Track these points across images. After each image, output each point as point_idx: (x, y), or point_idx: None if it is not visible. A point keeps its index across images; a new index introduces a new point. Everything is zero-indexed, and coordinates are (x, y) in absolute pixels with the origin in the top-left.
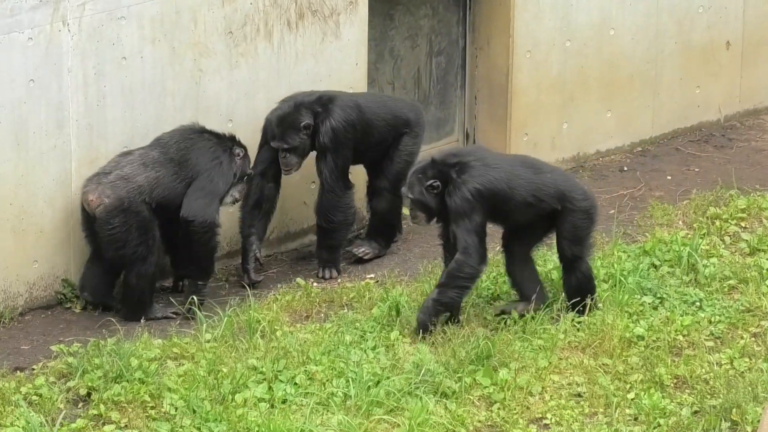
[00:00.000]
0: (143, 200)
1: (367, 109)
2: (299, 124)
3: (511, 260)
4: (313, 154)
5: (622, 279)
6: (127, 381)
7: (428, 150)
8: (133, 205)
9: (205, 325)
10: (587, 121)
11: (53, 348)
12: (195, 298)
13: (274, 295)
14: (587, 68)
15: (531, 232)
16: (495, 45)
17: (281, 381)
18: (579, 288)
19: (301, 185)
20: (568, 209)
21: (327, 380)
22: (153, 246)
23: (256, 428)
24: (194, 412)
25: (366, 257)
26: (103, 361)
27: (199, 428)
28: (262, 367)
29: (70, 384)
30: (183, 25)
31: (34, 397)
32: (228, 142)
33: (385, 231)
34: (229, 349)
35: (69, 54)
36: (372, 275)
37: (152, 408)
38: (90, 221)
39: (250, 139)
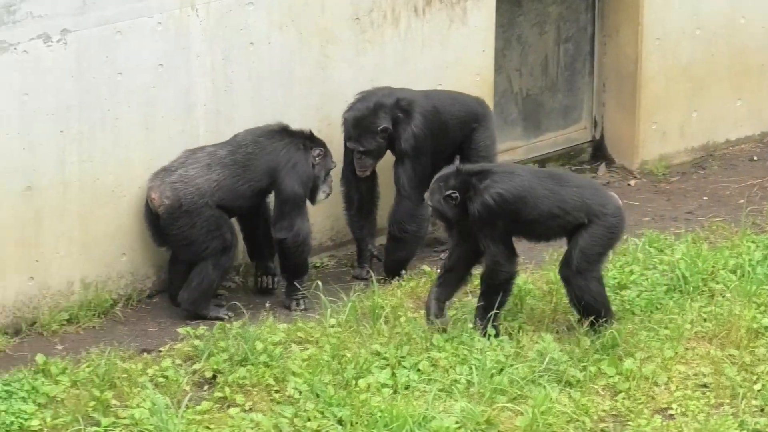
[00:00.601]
0: (205, 203)
1: (443, 110)
2: (377, 127)
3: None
4: None
5: (751, 269)
6: (252, 364)
7: (555, 137)
8: (193, 207)
9: (329, 310)
10: (717, 109)
11: (180, 330)
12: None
13: (398, 281)
14: (717, 56)
15: None
16: (624, 32)
17: (404, 367)
18: (588, 307)
19: None
20: (594, 222)
21: (450, 367)
22: (231, 239)
23: (379, 413)
24: (318, 396)
25: None
26: (228, 345)
27: (322, 412)
28: (385, 353)
29: (196, 366)
30: (310, 11)
31: (161, 379)
32: (303, 140)
33: None
34: (353, 335)
35: (197, 39)
36: None
37: (276, 391)
38: (154, 217)
39: None
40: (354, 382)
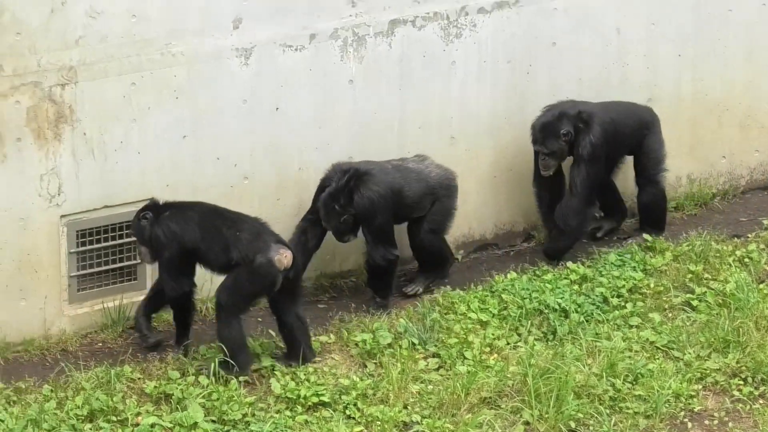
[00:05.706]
0: None
1: (619, 121)
2: (559, 131)
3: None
4: None
5: None
6: None
7: None
8: None
9: None
10: None
11: (765, 221)
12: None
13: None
14: None
15: None
16: None
17: None
18: (222, 344)
19: None
20: (241, 267)
21: None
22: None
23: None
24: None
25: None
26: None
27: None
28: None
29: None
30: None
31: (746, 260)
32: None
33: (657, 219)
34: None
35: None
36: None
37: None
38: None
39: None
40: None
